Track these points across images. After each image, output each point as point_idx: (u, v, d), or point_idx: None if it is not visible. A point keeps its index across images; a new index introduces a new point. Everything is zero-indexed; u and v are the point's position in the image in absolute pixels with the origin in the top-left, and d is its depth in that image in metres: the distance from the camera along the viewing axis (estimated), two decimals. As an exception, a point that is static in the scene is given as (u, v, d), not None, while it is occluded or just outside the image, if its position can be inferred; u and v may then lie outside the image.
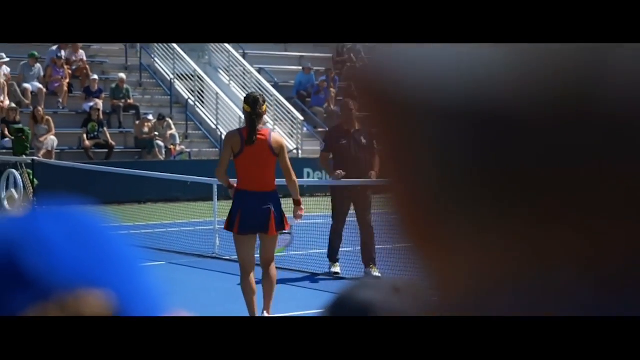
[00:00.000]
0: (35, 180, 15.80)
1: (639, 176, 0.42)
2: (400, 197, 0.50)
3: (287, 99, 23.30)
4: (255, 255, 7.14)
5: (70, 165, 15.47)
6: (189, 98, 22.60)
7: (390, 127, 0.48)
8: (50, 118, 19.14)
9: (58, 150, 19.04)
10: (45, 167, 15.79)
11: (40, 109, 19.16)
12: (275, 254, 7.26)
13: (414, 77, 0.46)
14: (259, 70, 24.32)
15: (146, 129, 20.26)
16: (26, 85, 20.33)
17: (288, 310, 7.56)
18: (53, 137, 18.84)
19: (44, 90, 20.61)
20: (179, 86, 23.00)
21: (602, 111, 0.43)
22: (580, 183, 0.43)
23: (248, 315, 7.18)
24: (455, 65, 0.45)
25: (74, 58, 21.83)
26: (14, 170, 15.63)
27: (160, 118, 20.59)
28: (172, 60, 23.17)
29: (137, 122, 20.52)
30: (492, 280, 0.46)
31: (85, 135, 19.53)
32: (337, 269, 9.66)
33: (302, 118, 22.68)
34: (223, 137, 21.63)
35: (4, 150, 17.85)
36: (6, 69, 20.31)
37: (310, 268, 10.06)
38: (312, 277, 9.76)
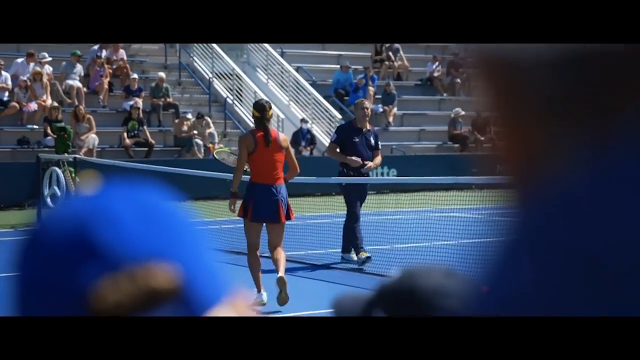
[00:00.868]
0: (77, 178, 16.00)
1: None
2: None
3: (325, 98, 23.33)
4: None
5: (110, 163, 15.64)
6: (228, 97, 22.73)
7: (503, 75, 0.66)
8: (91, 116, 19.38)
9: (99, 149, 19.27)
10: (86, 165, 15.98)
11: (81, 107, 19.40)
12: None
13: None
14: (297, 69, 24.39)
15: (185, 128, 20.42)
16: (70, 82, 20.58)
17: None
18: (94, 136, 19.06)
19: (85, 89, 20.88)
20: (217, 85, 23.14)
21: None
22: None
23: (277, 306, 7.34)
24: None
25: (114, 57, 22.07)
26: (56, 168, 15.85)
27: (199, 117, 20.73)
28: (211, 59, 23.32)
29: (176, 121, 20.69)
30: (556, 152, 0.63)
31: (125, 134, 19.74)
32: (365, 253, 9.99)
33: (339, 116, 22.69)
34: (261, 135, 21.75)
35: (47, 149, 18.11)
36: (48, 68, 20.60)
37: (350, 265, 10.07)
38: (357, 274, 9.78)
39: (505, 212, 0.74)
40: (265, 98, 23.09)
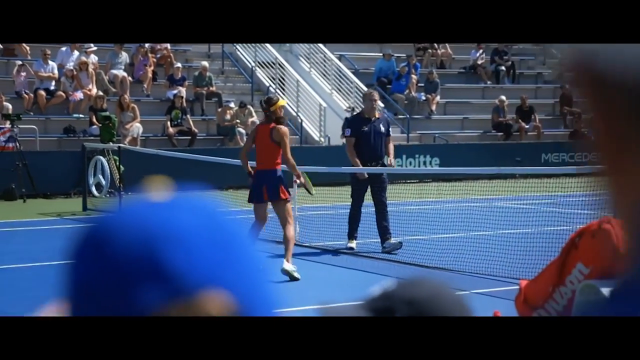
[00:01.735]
0: (121, 166, 16.20)
1: None
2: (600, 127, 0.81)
3: (367, 86, 23.28)
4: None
5: (154, 152, 15.81)
6: (270, 86, 22.80)
7: (602, 92, 0.78)
8: (135, 106, 19.59)
9: (143, 137, 19.48)
10: (130, 154, 16.17)
11: (126, 96, 19.62)
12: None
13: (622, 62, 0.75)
14: (340, 57, 24.37)
15: (228, 117, 20.55)
16: (115, 72, 20.83)
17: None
18: (138, 125, 19.27)
19: (130, 78, 21.11)
20: (260, 74, 23.22)
21: None
22: None
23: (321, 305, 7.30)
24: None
25: (158, 46, 22.26)
26: (101, 157, 16.07)
27: (242, 105, 20.84)
28: (254, 48, 23.40)
29: (219, 110, 20.83)
30: None
31: (169, 123, 19.93)
32: (353, 244, 10.45)
33: (382, 105, 22.64)
34: (304, 124, 21.78)
35: (92, 138, 18.36)
36: (94, 58, 20.86)
37: (388, 255, 10.08)
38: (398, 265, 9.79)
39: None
40: (307, 87, 23.14)
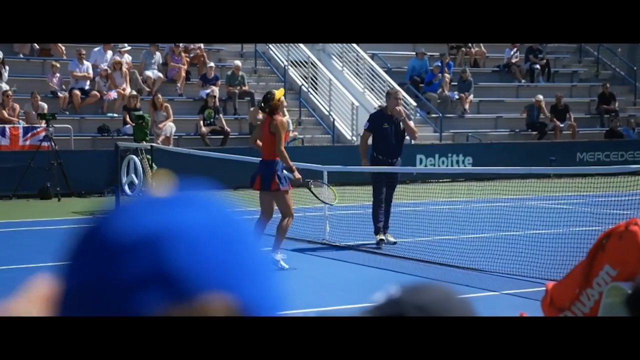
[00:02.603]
0: (154, 165, 16.31)
1: None
2: None
3: (400, 85, 23.21)
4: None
5: (186, 151, 15.89)
6: (303, 85, 22.82)
7: None
8: (168, 105, 19.71)
9: (176, 137, 19.60)
10: (163, 153, 16.28)
11: (159, 96, 19.75)
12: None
13: None
14: (372, 56, 24.32)
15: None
16: (147, 73, 21.00)
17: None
18: (171, 124, 19.39)
19: (164, 77, 21.25)
20: (292, 73, 23.25)
21: None
22: None
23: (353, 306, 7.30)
24: None
25: (191, 46, 22.37)
26: (134, 156, 16.18)
27: (274, 105, 20.87)
28: (287, 47, 23.43)
29: (252, 109, 20.88)
30: None
31: (201, 122, 20.02)
32: (382, 236, 10.66)
33: (414, 104, 22.57)
34: (336, 123, 21.76)
35: (126, 137, 18.50)
36: (128, 58, 21.03)
37: (418, 255, 10.04)
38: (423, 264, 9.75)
39: None
40: (340, 86, 23.09)
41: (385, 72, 23.66)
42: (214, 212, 0.82)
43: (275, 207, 9.45)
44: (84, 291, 0.80)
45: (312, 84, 23.04)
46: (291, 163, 9.47)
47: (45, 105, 18.76)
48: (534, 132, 23.74)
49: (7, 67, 19.60)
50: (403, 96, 22.63)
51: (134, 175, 16.20)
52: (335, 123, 21.82)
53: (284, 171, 9.39)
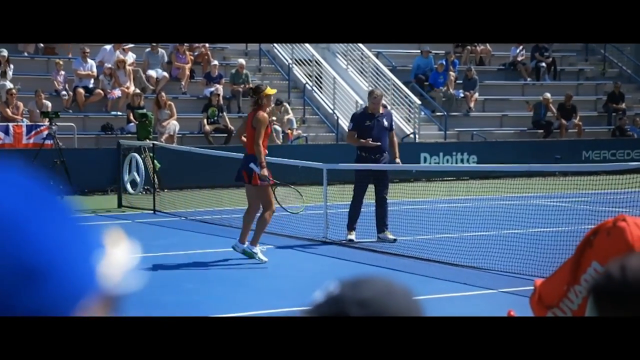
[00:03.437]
0: (157, 163, 16.30)
1: None
2: None
3: (404, 83, 23.17)
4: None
5: (187, 149, 15.88)
6: (307, 83, 22.79)
7: None
8: (172, 103, 19.69)
9: (180, 135, 19.59)
10: (166, 151, 16.28)
11: (163, 94, 19.74)
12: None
13: None
14: (377, 55, 24.27)
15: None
16: (150, 72, 21.00)
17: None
18: (175, 122, 19.38)
19: (168, 76, 21.24)
20: (297, 71, 23.22)
21: None
22: None
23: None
24: None
25: (196, 45, 22.36)
26: (136, 154, 16.18)
27: (278, 103, 20.84)
28: (291, 46, 23.40)
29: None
30: None
31: (205, 120, 20.00)
32: (352, 236, 10.93)
33: (419, 102, 22.52)
34: (340, 122, 21.72)
35: (129, 135, 18.50)
36: (132, 56, 21.03)
37: (417, 253, 9.99)
38: (426, 263, 9.71)
39: None
40: (344, 84, 23.08)
41: (390, 70, 23.61)
42: (27, 190, 0.82)
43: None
44: None
45: (316, 82, 23.01)
46: (263, 159, 9.53)
47: (49, 104, 18.76)
48: (540, 131, 23.65)
49: (11, 66, 19.62)
50: (407, 94, 22.66)
51: (135, 174, 16.19)
52: (340, 121, 21.77)
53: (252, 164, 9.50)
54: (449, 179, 19.10)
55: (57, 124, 17.34)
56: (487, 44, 26.29)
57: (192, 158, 15.91)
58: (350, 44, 23.88)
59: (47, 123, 17.37)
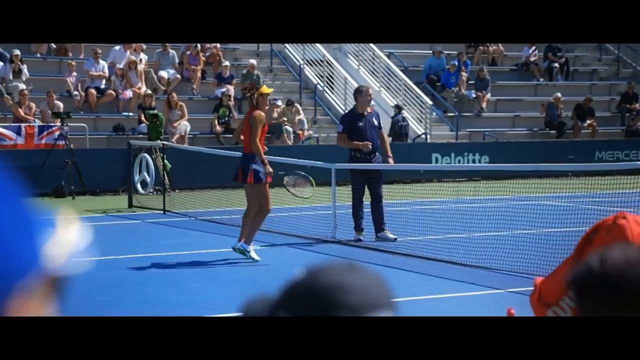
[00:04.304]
0: (168, 164, 16.33)
1: None
2: None
3: (416, 84, 23.12)
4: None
5: (196, 149, 15.89)
6: (318, 83, 22.78)
7: None
8: (183, 104, 19.73)
9: (190, 135, 19.62)
10: (177, 152, 16.30)
11: (174, 95, 19.77)
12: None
13: None
14: (389, 55, 24.24)
15: (275, 114, 20.56)
16: (162, 73, 21.04)
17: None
18: (186, 122, 19.41)
19: (179, 77, 21.27)
20: (308, 72, 23.21)
21: None
22: None
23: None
24: None
25: (207, 45, 22.38)
26: (146, 155, 16.21)
27: (289, 103, 20.84)
28: (302, 46, 23.39)
29: (266, 108, 20.82)
30: None
31: (216, 121, 20.02)
32: (361, 236, 10.96)
33: (430, 102, 22.46)
34: (351, 122, 21.68)
35: (141, 135, 18.54)
36: (144, 57, 21.08)
37: (426, 253, 9.96)
38: (432, 262, 9.67)
39: None
40: (356, 84, 23.11)
41: (402, 70, 23.57)
42: None
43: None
44: None
45: (327, 82, 22.99)
46: (264, 157, 9.57)
47: (61, 104, 18.83)
48: (552, 131, 23.54)
49: (24, 66, 19.70)
50: (419, 95, 22.61)
51: (146, 174, 16.23)
52: (351, 122, 21.74)
53: (254, 163, 9.52)
54: (461, 179, 19.04)
55: (69, 124, 17.41)
56: (500, 44, 26.20)
57: (203, 158, 15.92)
58: (362, 45, 23.84)
59: (58, 124, 17.43)
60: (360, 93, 11.37)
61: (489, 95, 24.11)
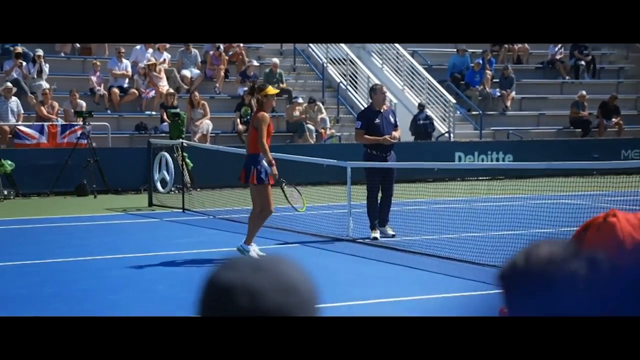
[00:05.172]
0: (189, 162, 16.37)
1: None
2: None
3: (440, 82, 22.99)
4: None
5: (216, 148, 15.90)
6: (341, 82, 22.73)
7: None
8: (206, 103, 19.77)
9: (213, 134, 19.65)
10: (198, 150, 16.34)
11: (196, 93, 19.83)
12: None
13: None
14: (412, 53, 24.13)
15: (297, 113, 20.55)
16: (185, 72, 21.11)
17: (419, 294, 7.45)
18: (208, 121, 19.45)
19: (202, 76, 21.32)
20: (331, 70, 23.17)
21: None
22: None
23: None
24: None
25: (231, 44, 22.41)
26: (165, 153, 16.26)
27: (311, 102, 20.82)
28: (326, 45, 23.36)
29: (288, 106, 20.84)
30: None
31: (238, 120, 20.04)
32: (376, 234, 10.97)
33: (454, 101, 22.33)
34: (374, 120, 21.63)
35: (163, 134, 18.60)
36: (167, 56, 21.16)
37: (440, 252, 9.88)
38: (447, 261, 9.59)
39: None
40: (378, 83, 23.02)
41: (425, 69, 23.46)
42: None
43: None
44: None
45: (351, 81, 22.94)
46: (271, 157, 9.58)
47: (84, 103, 18.95)
48: (578, 130, 23.31)
49: (46, 66, 19.86)
50: (442, 93, 22.48)
51: (165, 172, 16.27)
52: (374, 120, 21.68)
53: (264, 163, 9.56)
54: (484, 177, 18.91)
55: (92, 123, 17.52)
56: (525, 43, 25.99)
57: (223, 157, 15.93)
58: (386, 44, 23.76)
59: (81, 122, 17.55)
60: (375, 91, 11.47)
61: (513, 94, 23.92)
